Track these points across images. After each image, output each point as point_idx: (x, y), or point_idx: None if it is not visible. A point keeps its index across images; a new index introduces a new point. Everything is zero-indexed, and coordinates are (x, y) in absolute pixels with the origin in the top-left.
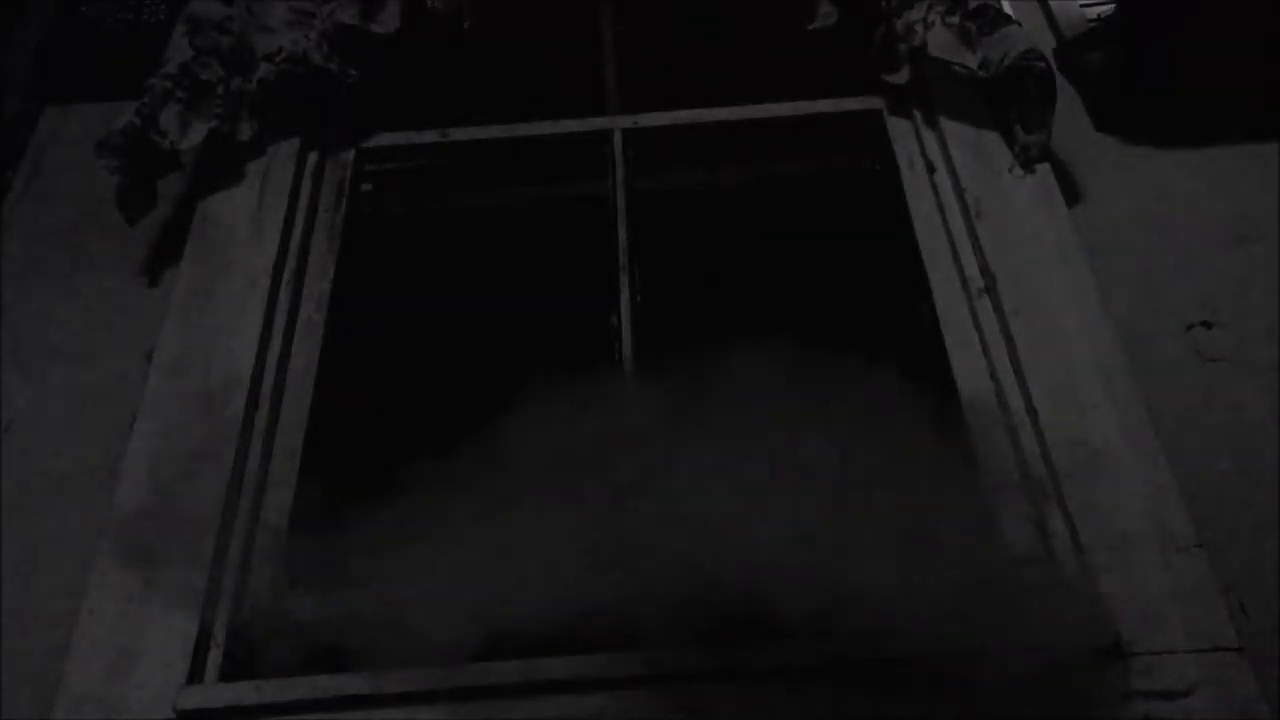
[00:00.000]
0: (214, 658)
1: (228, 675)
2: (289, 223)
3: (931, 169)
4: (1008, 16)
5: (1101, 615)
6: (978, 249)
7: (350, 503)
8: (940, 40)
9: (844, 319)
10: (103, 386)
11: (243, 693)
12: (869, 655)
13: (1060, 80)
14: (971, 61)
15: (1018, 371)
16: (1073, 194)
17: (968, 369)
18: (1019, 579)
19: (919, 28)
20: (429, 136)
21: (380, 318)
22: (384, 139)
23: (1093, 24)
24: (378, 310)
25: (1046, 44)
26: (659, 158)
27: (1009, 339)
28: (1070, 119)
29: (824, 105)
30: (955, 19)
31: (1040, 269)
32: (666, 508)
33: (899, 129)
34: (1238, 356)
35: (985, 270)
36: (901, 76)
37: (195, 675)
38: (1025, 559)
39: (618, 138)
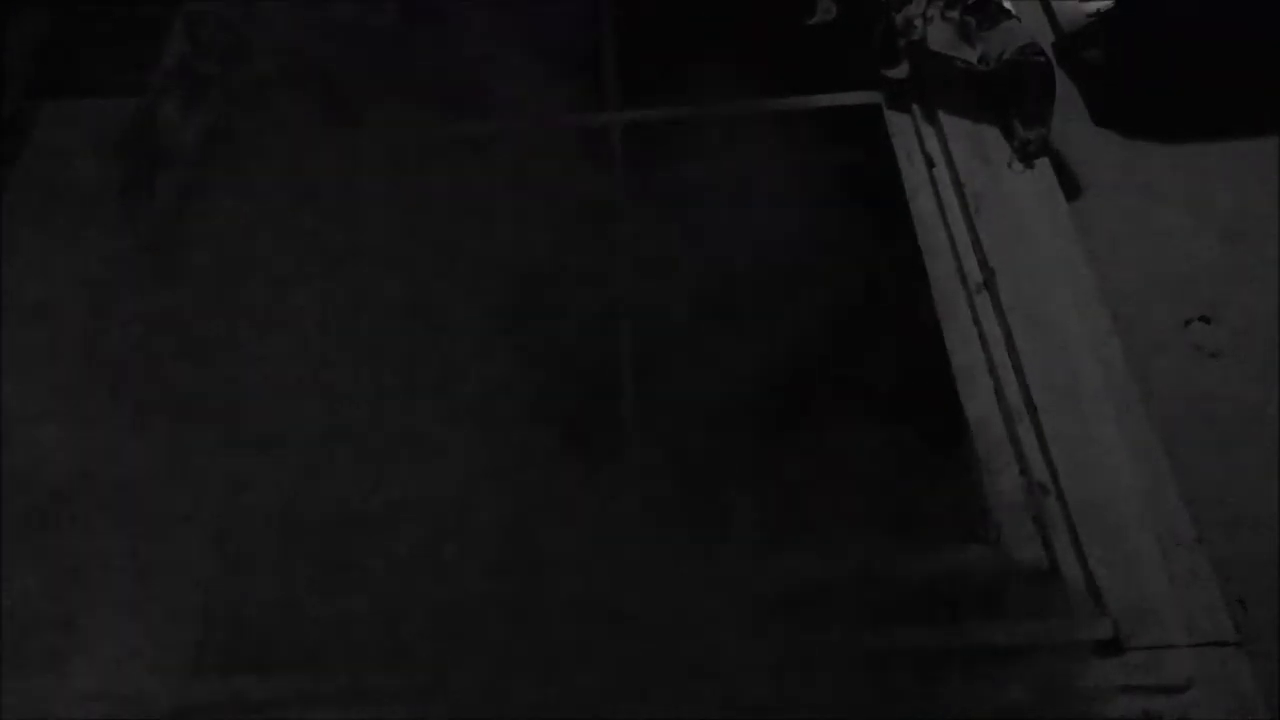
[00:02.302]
0: (214, 654)
1: (228, 670)
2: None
3: (931, 164)
4: (1007, 11)
5: (1100, 610)
6: (976, 244)
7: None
8: (940, 35)
9: (842, 313)
10: (102, 380)
11: (243, 687)
12: (870, 646)
13: (1059, 75)
14: (971, 56)
15: (1016, 366)
16: (1072, 188)
17: (966, 364)
18: (1019, 573)
19: (918, 22)
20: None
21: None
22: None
23: (1092, 19)
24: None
25: (1046, 39)
26: (655, 152)
27: (1008, 334)
28: (1069, 114)
29: (823, 100)
30: (955, 14)
31: (1039, 264)
32: None
33: (898, 124)
34: (1236, 351)
35: (984, 265)
36: (901, 71)
37: (195, 672)
38: (1025, 553)
39: (617, 133)
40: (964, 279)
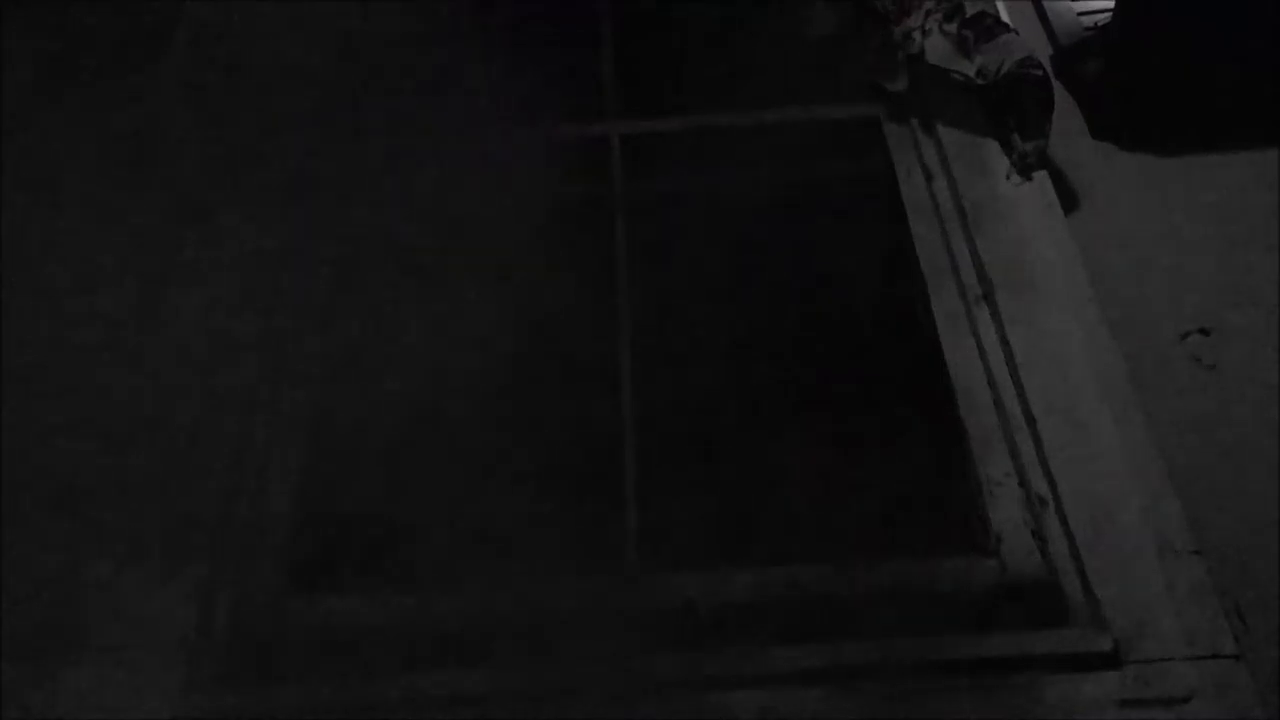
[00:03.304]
0: (212, 663)
1: (226, 680)
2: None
3: (929, 176)
4: (1005, 24)
5: (1100, 622)
6: (976, 256)
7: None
8: (938, 48)
9: (842, 326)
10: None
11: (241, 698)
12: (875, 659)
13: (1057, 88)
14: (969, 69)
15: (1015, 378)
16: (1070, 201)
17: (966, 376)
18: (1018, 586)
19: (917, 35)
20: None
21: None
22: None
23: (1089, 32)
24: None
25: (1044, 52)
26: (655, 163)
27: (1006, 346)
28: (1067, 126)
29: (822, 112)
30: (953, 27)
31: (1038, 276)
32: None
33: (897, 136)
34: (1235, 363)
35: (983, 277)
36: (900, 84)
37: (194, 680)
38: (1024, 566)
39: (616, 143)
40: (963, 291)
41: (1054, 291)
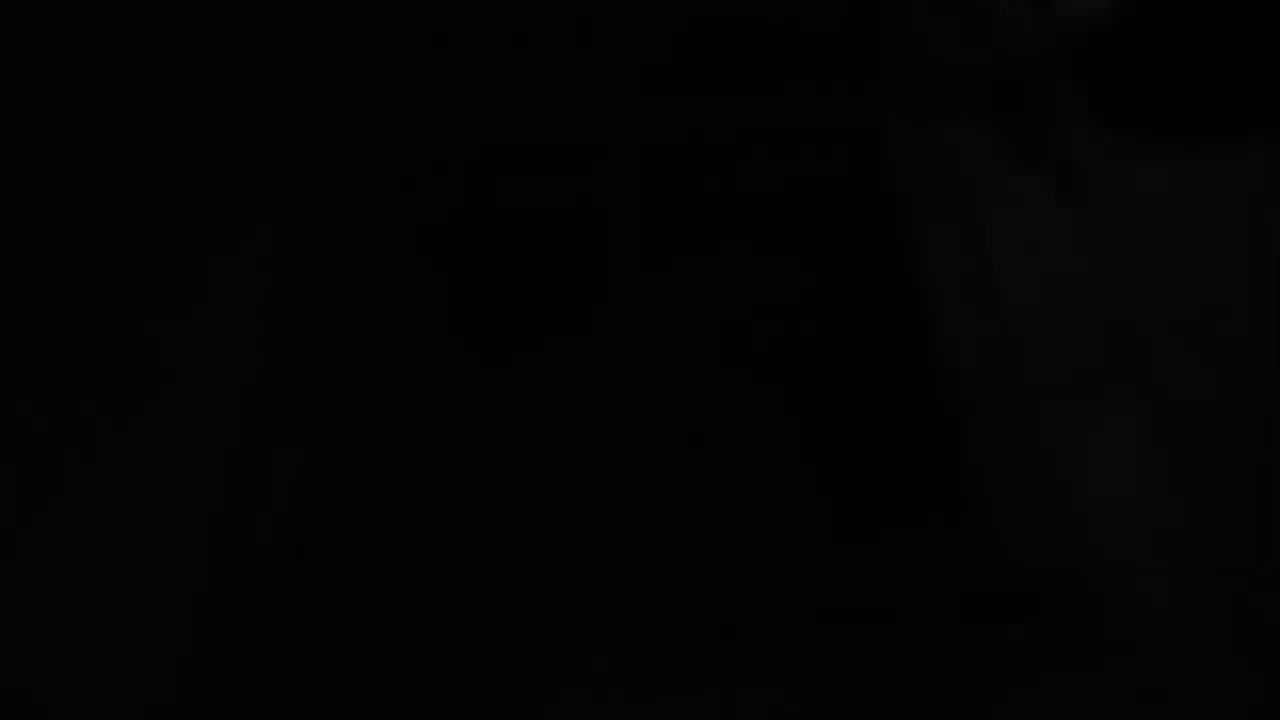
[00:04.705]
0: (214, 650)
1: (228, 668)
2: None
3: (930, 170)
4: (1010, 17)
5: (1101, 613)
6: (978, 249)
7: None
8: (941, 41)
9: (842, 322)
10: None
11: (244, 686)
12: (873, 653)
13: (1063, 81)
14: (972, 61)
15: (1018, 369)
16: (1074, 193)
17: (969, 367)
18: (1020, 577)
19: (920, 28)
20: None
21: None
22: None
23: (1096, 25)
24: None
25: (1049, 45)
26: (656, 159)
27: (1010, 337)
28: (1072, 119)
29: (822, 106)
30: (956, 19)
31: (1042, 268)
32: None
33: (898, 130)
34: (1237, 357)
35: (986, 270)
36: (901, 78)
37: (192, 673)
38: (1026, 557)
39: (616, 140)
40: (965, 284)
41: (1058, 283)
